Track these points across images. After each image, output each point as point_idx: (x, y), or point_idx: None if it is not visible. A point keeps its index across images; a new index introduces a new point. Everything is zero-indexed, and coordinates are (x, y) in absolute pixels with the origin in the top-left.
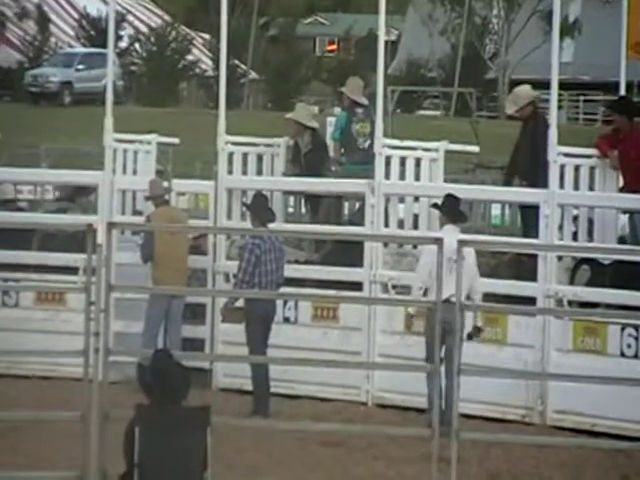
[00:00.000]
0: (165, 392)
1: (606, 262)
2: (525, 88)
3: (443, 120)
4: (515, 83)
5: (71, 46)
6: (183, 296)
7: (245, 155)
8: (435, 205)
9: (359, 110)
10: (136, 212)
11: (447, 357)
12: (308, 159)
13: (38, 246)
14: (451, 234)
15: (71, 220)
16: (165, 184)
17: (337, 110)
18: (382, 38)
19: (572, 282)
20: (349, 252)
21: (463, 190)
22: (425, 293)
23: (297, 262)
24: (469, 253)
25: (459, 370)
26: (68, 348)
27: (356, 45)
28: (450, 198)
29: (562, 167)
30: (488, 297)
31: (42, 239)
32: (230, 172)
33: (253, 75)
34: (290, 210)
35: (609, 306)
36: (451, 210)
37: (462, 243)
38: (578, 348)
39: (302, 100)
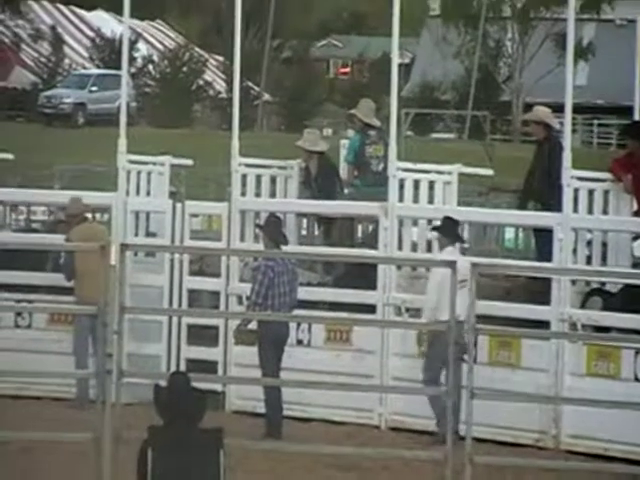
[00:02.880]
0: (181, 414)
1: (614, 290)
2: (546, 109)
3: (457, 143)
4: (529, 106)
5: (85, 67)
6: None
7: (258, 177)
8: (434, 227)
9: (372, 132)
10: (149, 234)
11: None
12: (318, 183)
13: (52, 267)
14: (452, 256)
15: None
16: (83, 202)
17: (350, 132)
18: (396, 60)
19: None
20: (362, 275)
21: (477, 213)
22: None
23: (310, 284)
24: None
25: (472, 394)
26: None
27: (370, 67)
28: (448, 220)
29: (576, 191)
30: (502, 321)
31: (55, 260)
32: (243, 194)
33: (267, 97)
34: (303, 232)
35: (622, 330)
36: (450, 232)
37: (475, 266)
38: (592, 372)
39: (315, 122)
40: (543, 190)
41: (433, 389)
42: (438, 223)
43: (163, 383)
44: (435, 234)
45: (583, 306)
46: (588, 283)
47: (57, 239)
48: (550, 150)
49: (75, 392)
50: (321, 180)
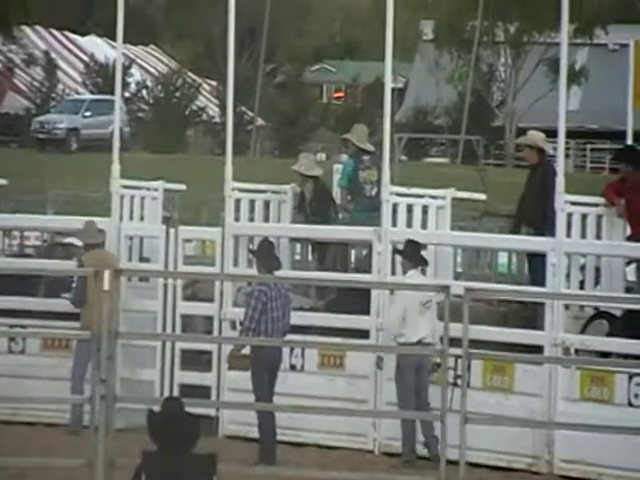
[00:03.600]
0: (174, 439)
1: (618, 314)
2: (540, 134)
3: (450, 168)
4: (522, 131)
5: (78, 92)
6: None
7: (252, 202)
8: (397, 251)
9: (365, 157)
10: (143, 259)
11: (419, 394)
12: (313, 207)
13: (45, 293)
14: (417, 278)
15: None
16: (99, 228)
17: (344, 157)
18: (389, 85)
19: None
20: (355, 299)
21: (470, 238)
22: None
23: (302, 309)
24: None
25: (466, 418)
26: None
27: (363, 92)
28: (411, 243)
29: (569, 215)
30: (495, 345)
31: (49, 285)
32: (237, 219)
33: (260, 122)
34: (297, 257)
35: (616, 355)
36: (413, 255)
37: (469, 291)
38: (585, 397)
39: (309, 147)
40: (536, 215)
41: (426, 414)
42: (401, 246)
43: (156, 408)
44: (398, 257)
45: (585, 329)
46: (583, 308)
47: (52, 264)
48: (543, 175)
49: (69, 417)
50: (316, 204)
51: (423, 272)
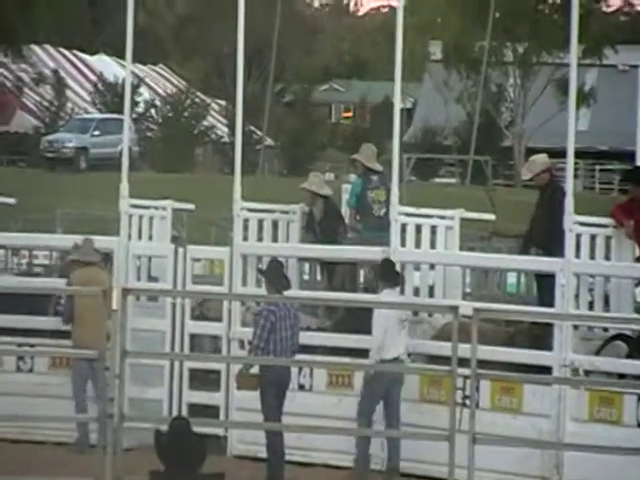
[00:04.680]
0: (182, 459)
1: (634, 335)
2: (541, 156)
3: (459, 188)
4: (531, 151)
5: (87, 112)
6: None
7: (260, 221)
8: (370, 270)
9: (374, 177)
10: (151, 278)
11: (389, 411)
12: (322, 227)
13: (54, 311)
14: (391, 298)
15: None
16: (95, 248)
17: (352, 177)
18: (398, 105)
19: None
20: (363, 319)
21: (479, 258)
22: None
23: (309, 329)
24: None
25: (474, 439)
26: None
27: (371, 112)
28: (387, 262)
29: (578, 236)
30: (504, 366)
31: (57, 304)
32: (245, 238)
33: (268, 141)
34: (305, 277)
35: (625, 376)
36: (388, 275)
37: (477, 312)
38: (594, 418)
39: (317, 167)
40: (544, 236)
41: (432, 434)
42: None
43: (163, 428)
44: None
45: (602, 350)
46: (592, 328)
47: (59, 283)
48: (552, 195)
49: (76, 436)
50: (325, 224)
51: (398, 290)
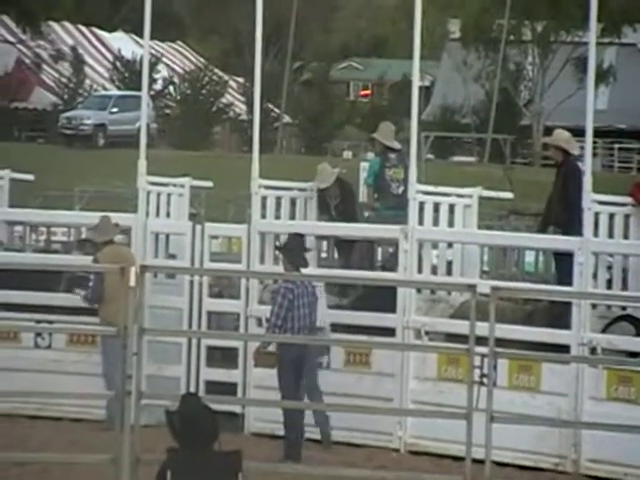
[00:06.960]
0: (194, 437)
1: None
2: (558, 132)
3: (477, 166)
4: (549, 130)
5: (105, 89)
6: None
7: (278, 199)
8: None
9: (392, 155)
10: (169, 255)
11: (308, 378)
12: (339, 211)
13: (66, 287)
14: None
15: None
16: (114, 223)
17: (370, 155)
18: (416, 83)
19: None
20: (381, 297)
21: (497, 237)
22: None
23: (328, 307)
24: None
25: (492, 417)
26: (101, 390)
27: (390, 90)
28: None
29: (596, 215)
30: (522, 345)
31: (74, 281)
32: (263, 216)
33: (287, 119)
34: (323, 255)
35: (638, 355)
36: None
37: (495, 290)
38: (612, 397)
39: (335, 145)
40: (561, 214)
41: (450, 413)
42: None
43: (173, 407)
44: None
45: (606, 329)
46: (610, 307)
47: (77, 260)
48: (566, 173)
49: (105, 414)
50: (342, 207)
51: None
